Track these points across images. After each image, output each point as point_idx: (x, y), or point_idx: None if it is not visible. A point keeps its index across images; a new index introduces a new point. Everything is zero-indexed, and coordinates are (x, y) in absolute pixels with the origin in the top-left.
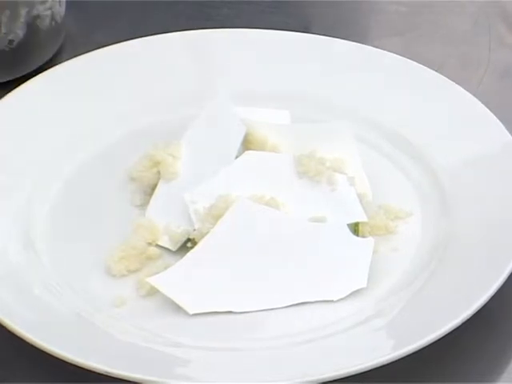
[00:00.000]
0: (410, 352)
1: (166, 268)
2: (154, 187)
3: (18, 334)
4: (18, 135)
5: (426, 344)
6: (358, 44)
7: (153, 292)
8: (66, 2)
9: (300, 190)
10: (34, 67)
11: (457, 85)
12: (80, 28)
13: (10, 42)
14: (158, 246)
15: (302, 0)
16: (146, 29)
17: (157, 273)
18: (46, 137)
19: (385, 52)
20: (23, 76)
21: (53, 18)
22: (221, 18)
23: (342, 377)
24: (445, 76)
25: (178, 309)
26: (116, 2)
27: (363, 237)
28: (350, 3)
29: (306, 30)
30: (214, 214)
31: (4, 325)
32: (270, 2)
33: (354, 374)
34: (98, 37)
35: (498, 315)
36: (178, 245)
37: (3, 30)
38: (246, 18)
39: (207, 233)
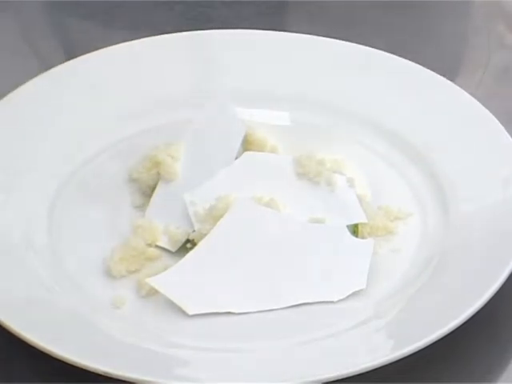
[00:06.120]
0: (410, 353)
1: (165, 269)
2: (153, 188)
3: (18, 335)
4: (17, 135)
5: (426, 345)
6: (358, 45)
7: (152, 293)
8: (68, 3)
9: (299, 191)
10: None
11: (456, 85)
12: (80, 28)
13: None
14: (157, 246)
15: (302, 1)
16: (146, 30)
17: (156, 273)
18: (46, 137)
19: (384, 53)
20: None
21: None
22: (221, 19)
23: (342, 377)
24: (444, 76)
25: (177, 309)
26: (116, 3)
27: (363, 238)
28: (350, 4)
29: (305, 31)
30: (214, 215)
31: (4, 325)
32: (270, 3)
33: (353, 374)
34: (98, 37)
35: (497, 315)
36: (178, 246)
37: None
38: (246, 19)
39: (207, 234)
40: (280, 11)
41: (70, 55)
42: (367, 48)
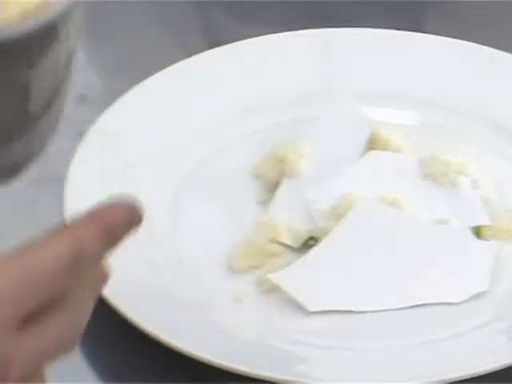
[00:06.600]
0: None
1: (287, 265)
2: (277, 185)
3: (140, 328)
4: (143, 127)
5: None
6: (489, 48)
7: (273, 289)
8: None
9: (424, 191)
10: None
11: None
12: (214, 22)
13: None
14: (279, 243)
15: (432, 1)
16: (272, 28)
17: (278, 270)
18: (171, 129)
19: None
20: None
21: None
22: (345, 18)
23: (464, 378)
24: None
25: (297, 306)
26: (247, 3)
27: (486, 240)
28: (482, 4)
29: (435, 32)
30: (337, 213)
31: (124, 317)
32: (397, 3)
33: (476, 375)
34: (230, 31)
35: None
36: (300, 242)
37: None
38: (371, 19)
39: (329, 231)
40: (408, 11)
41: (203, 47)
42: (497, 51)
